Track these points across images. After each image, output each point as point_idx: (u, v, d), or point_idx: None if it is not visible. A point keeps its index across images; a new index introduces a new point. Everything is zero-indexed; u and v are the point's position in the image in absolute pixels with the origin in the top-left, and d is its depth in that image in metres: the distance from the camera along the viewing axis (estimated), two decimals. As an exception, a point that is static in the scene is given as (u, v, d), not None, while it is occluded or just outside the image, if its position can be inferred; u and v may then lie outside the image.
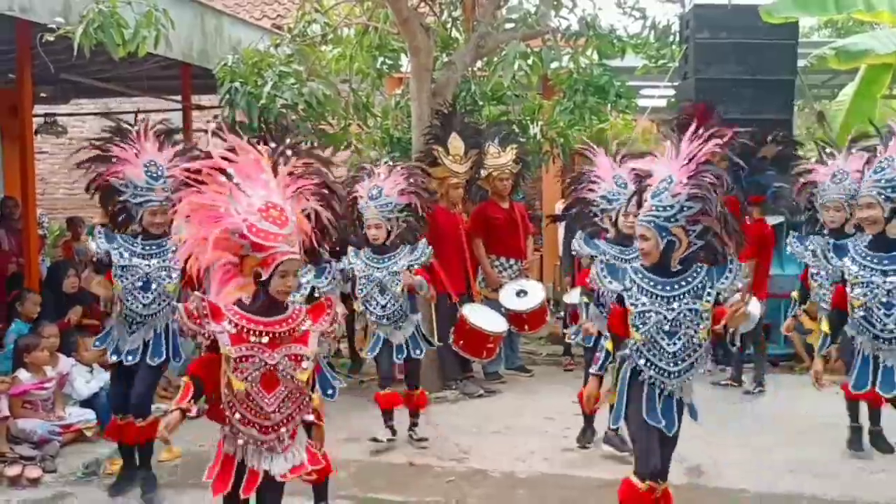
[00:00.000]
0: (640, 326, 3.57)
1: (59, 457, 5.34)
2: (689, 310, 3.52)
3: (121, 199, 4.70)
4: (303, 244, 3.83)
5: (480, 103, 8.49)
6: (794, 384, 7.35)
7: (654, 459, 3.60)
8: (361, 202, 5.49)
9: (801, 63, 8.76)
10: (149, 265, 4.66)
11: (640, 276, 3.61)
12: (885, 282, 4.03)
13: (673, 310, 3.52)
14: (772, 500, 4.74)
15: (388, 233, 5.44)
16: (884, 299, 4.03)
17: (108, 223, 4.92)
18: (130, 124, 4.80)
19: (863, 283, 4.09)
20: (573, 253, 5.77)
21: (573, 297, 7.79)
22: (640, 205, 3.67)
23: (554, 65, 8.20)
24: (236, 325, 3.02)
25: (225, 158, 3.03)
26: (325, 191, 4.04)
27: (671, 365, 3.56)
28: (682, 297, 3.53)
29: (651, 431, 3.61)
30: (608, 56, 8.46)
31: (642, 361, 3.60)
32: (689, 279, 3.54)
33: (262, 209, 2.99)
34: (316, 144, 8.16)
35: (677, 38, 8.54)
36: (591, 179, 5.11)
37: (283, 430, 3.11)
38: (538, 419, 6.25)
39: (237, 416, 3.07)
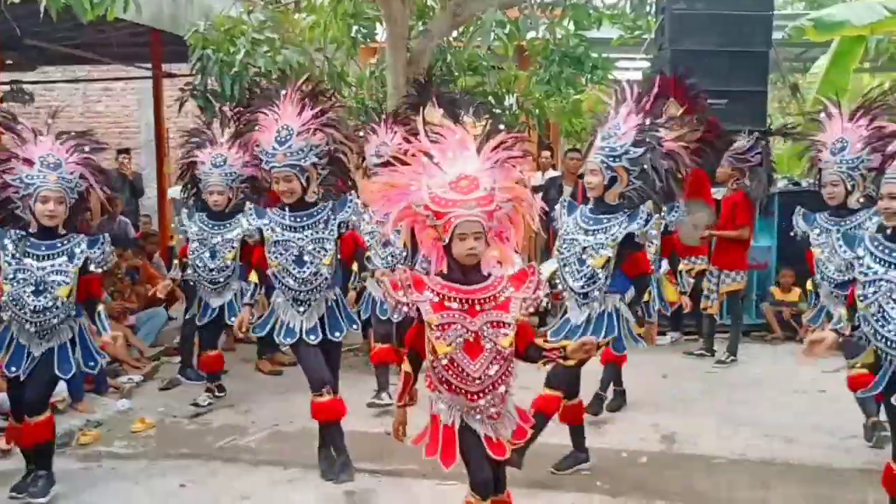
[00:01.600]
0: (868, 296, 3.47)
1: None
2: None
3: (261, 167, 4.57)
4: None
5: (456, 73, 8.43)
6: (766, 353, 7.46)
7: None
8: (204, 167, 5.60)
9: (776, 35, 8.77)
10: (302, 238, 4.37)
11: (874, 244, 3.52)
12: (584, 240, 4.25)
13: None
14: (745, 465, 4.79)
15: (229, 200, 5.58)
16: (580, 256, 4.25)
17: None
18: (274, 88, 4.61)
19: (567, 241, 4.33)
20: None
21: (548, 267, 7.84)
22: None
23: (530, 34, 8.14)
24: (437, 293, 3.06)
25: (433, 140, 3.10)
26: (92, 166, 4.23)
27: None
28: None
29: None
30: (584, 27, 8.41)
31: (870, 332, 3.50)
32: None
33: (452, 181, 3.02)
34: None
35: (653, 9, 8.51)
36: (818, 148, 4.93)
37: (490, 395, 3.12)
38: (516, 389, 6.25)
39: (444, 383, 3.12)
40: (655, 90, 4.36)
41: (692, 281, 6.56)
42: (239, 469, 4.73)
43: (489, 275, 3.12)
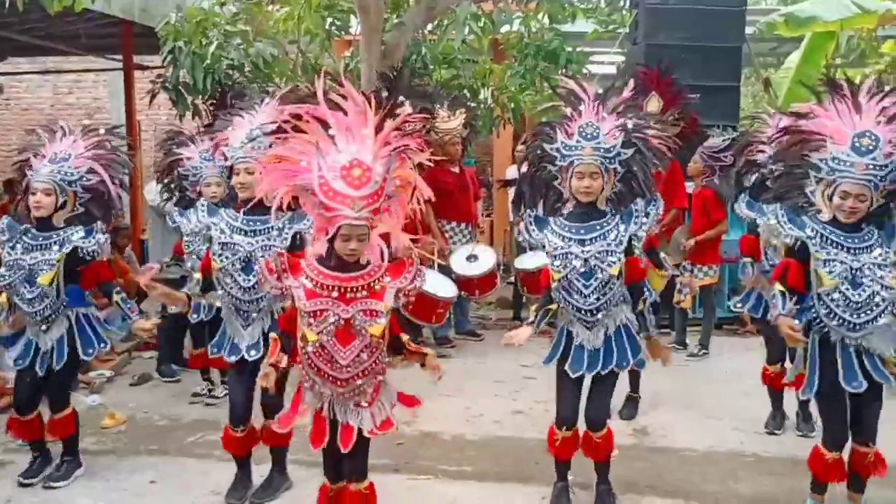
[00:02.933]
0: (833, 272, 3.61)
1: None
2: (874, 263, 3.58)
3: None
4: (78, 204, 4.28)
5: (431, 66, 8.40)
6: (737, 346, 7.52)
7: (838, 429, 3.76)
8: (192, 162, 5.50)
9: (748, 30, 8.84)
10: (251, 242, 4.06)
11: (820, 226, 3.65)
12: (582, 251, 3.85)
13: (859, 261, 3.58)
14: (716, 457, 4.84)
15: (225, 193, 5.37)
16: (582, 270, 3.87)
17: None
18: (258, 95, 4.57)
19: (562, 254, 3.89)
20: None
21: (524, 262, 7.87)
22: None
23: (505, 28, 8.14)
24: (312, 279, 3.08)
25: (334, 106, 3.02)
26: (107, 157, 4.32)
27: (854, 316, 3.60)
28: (866, 250, 3.59)
29: (837, 401, 3.72)
30: (559, 20, 8.43)
31: (823, 311, 3.66)
32: (868, 237, 3.61)
33: (345, 167, 2.95)
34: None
35: (627, 3, 8.54)
36: (761, 140, 5.07)
37: (359, 382, 3.14)
38: (488, 383, 6.28)
39: (314, 368, 3.15)
40: (629, 88, 4.22)
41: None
42: (210, 465, 4.70)
43: (368, 263, 3.13)
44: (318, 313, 3.07)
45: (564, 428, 4.03)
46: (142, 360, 6.82)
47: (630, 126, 3.92)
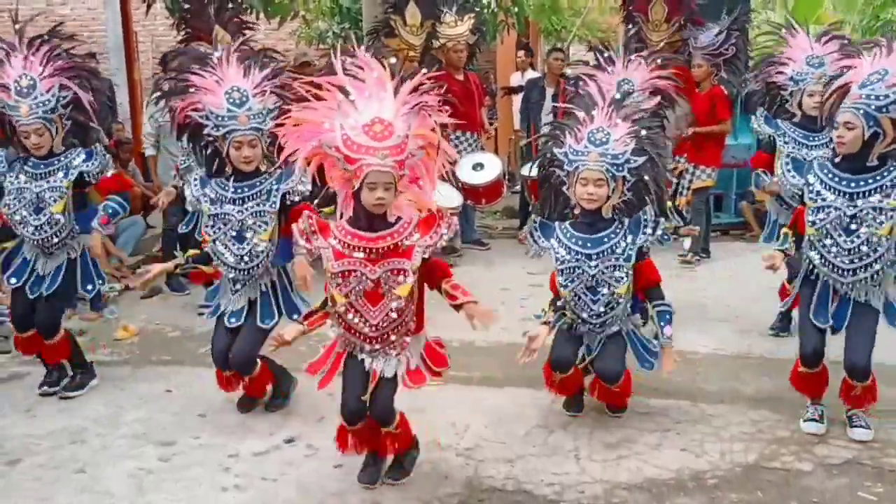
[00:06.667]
0: (817, 222, 3.64)
1: (11, 337, 5.27)
2: (874, 208, 3.55)
3: (206, 133, 3.94)
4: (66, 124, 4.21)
5: (433, -31, 8.14)
6: (744, 251, 7.53)
7: (809, 347, 3.81)
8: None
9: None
10: (241, 210, 3.99)
11: (825, 171, 3.65)
12: (590, 266, 3.85)
13: (855, 206, 3.57)
14: (722, 360, 4.91)
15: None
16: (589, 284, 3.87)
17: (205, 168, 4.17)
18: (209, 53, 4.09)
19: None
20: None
21: (530, 169, 7.81)
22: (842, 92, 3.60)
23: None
24: (340, 240, 3.14)
25: (353, 76, 3.06)
26: (69, 67, 4.17)
27: (846, 262, 3.63)
28: (868, 193, 3.56)
29: (813, 327, 3.79)
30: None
31: (816, 257, 3.70)
32: (881, 176, 3.56)
33: (366, 124, 3.00)
34: (261, 14, 7.84)
35: None
36: (781, 61, 4.98)
37: (392, 338, 3.25)
38: (495, 290, 6.31)
39: (344, 326, 3.25)
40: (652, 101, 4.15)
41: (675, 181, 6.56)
42: (223, 373, 4.77)
43: (397, 220, 3.15)
44: (346, 274, 3.14)
45: (559, 371, 4.03)
46: (151, 274, 6.86)
47: (643, 133, 3.81)
